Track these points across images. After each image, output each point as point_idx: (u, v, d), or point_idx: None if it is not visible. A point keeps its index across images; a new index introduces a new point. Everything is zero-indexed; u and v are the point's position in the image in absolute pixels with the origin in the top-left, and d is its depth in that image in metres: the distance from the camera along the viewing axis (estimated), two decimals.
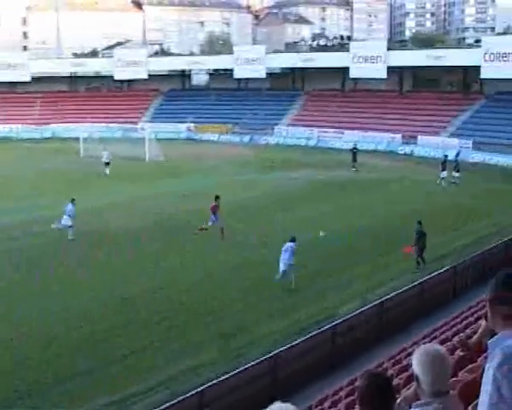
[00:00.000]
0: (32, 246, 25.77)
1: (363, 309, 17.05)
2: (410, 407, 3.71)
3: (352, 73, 68.13)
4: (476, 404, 3.39)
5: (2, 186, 38.88)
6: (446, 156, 42.79)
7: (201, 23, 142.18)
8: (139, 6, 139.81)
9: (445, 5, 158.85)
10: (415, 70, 68.80)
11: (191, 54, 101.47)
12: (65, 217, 26.99)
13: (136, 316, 18.44)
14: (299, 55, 75.52)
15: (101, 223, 29.53)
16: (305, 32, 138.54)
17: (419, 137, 57.75)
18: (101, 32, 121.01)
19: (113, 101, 76.78)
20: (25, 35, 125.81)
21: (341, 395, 10.15)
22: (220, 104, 73.86)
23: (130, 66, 78.01)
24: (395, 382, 7.53)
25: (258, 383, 13.58)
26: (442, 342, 9.71)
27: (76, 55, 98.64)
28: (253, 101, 73.19)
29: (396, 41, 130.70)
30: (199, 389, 12.62)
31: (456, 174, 40.42)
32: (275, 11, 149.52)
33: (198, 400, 12.50)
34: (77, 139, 56.05)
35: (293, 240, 21.10)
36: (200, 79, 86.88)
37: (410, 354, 9.48)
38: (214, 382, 13.00)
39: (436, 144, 55.54)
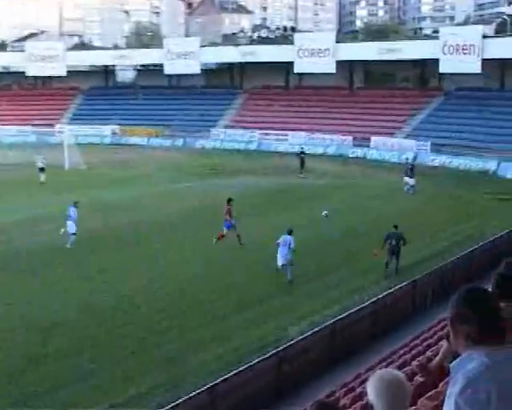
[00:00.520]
0: None
1: (314, 331, 17.08)
2: None
3: (297, 68, 68.87)
4: None
5: None
6: (412, 162, 43.79)
7: (127, 12, 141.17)
8: None
9: None
10: (366, 64, 69.95)
11: (115, 47, 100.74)
12: (69, 222, 27.61)
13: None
14: (238, 48, 75.85)
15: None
16: (245, 22, 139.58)
17: (372, 138, 58.35)
18: (10, 22, 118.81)
19: (25, 101, 75.48)
20: None
21: None
22: (149, 104, 73.46)
23: (46, 61, 76.99)
24: None
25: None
26: (400, 367, 9.78)
27: None
28: (186, 100, 73.10)
29: (346, 32, 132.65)
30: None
31: (411, 181, 39.63)
32: None
33: None
34: None
35: (290, 233, 22.67)
36: (125, 75, 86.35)
37: (364, 381, 9.51)
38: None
39: (391, 146, 56.46)
